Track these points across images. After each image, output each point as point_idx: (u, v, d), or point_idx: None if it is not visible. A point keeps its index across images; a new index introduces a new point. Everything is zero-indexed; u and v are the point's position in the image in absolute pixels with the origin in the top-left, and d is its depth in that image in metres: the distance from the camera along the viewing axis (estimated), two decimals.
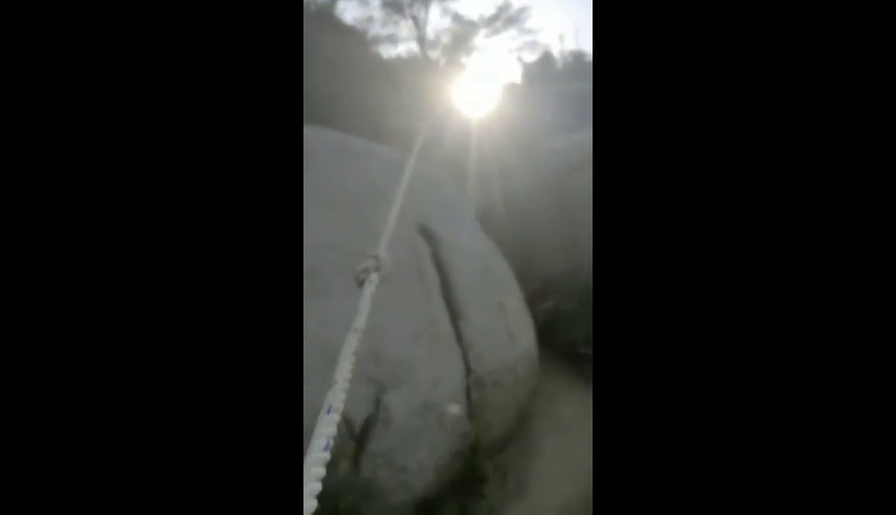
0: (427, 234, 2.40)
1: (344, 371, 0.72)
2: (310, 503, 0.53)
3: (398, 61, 9.80)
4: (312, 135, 2.75)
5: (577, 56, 7.39)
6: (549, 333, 2.87)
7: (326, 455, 0.58)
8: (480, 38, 10.20)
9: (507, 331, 2.20)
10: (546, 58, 8.11)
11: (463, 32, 10.26)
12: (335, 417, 0.62)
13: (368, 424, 1.62)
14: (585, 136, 3.68)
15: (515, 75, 8.60)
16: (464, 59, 10.29)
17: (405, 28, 9.97)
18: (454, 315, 2.10)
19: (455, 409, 1.83)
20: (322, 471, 0.56)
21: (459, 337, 2.02)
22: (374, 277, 1.06)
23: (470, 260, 2.38)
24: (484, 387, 1.97)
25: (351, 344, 0.79)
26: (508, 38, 10.00)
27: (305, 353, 1.61)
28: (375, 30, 9.81)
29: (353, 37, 9.11)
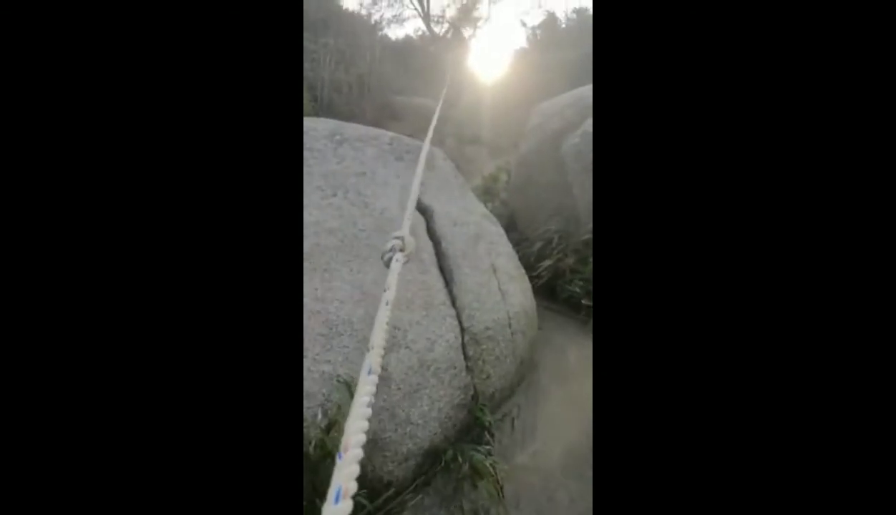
0: (421, 208, 2.55)
1: (379, 337, 0.80)
2: (356, 451, 0.57)
3: (406, 41, 9.82)
4: (307, 124, 2.91)
5: (580, 13, 7.23)
6: (552, 289, 2.99)
7: (368, 411, 0.64)
8: (486, 6, 10.07)
9: (499, 290, 2.34)
10: (550, 19, 7.97)
11: (468, 3, 10.13)
12: (374, 378, 0.70)
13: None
14: (577, 93, 3.70)
15: (522, 40, 8.49)
16: (470, 30, 10.19)
17: (410, 7, 9.96)
18: (448, 280, 2.25)
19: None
20: (366, 424, 0.62)
21: (453, 300, 2.17)
22: (399, 256, 1.21)
23: (462, 229, 2.52)
24: (479, 343, 2.12)
25: (384, 313, 0.89)
26: (513, 4, 9.80)
27: (307, 325, 1.81)
28: (381, 12, 9.83)
29: (359, 22, 9.18)
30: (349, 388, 1.70)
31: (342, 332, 1.83)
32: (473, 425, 2.05)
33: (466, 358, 2.07)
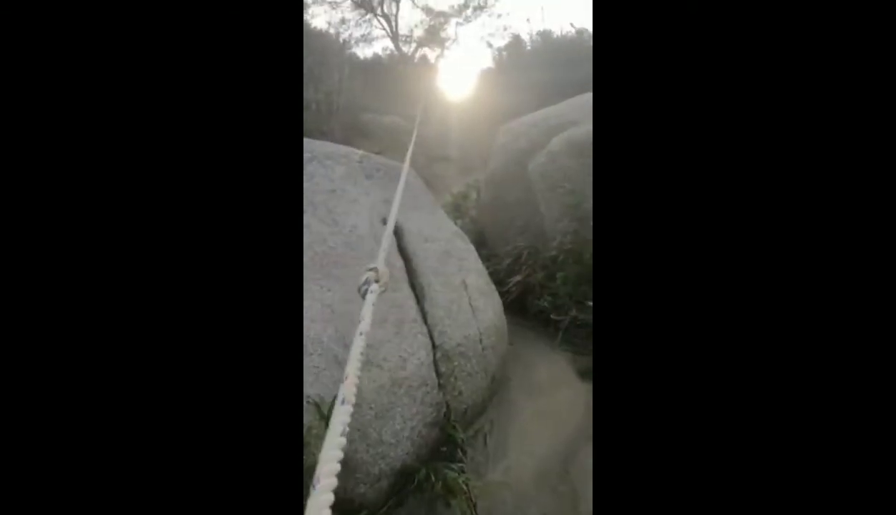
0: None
1: (353, 367, 0.81)
2: (330, 480, 0.59)
3: (374, 60, 9.89)
4: None
5: (544, 35, 7.48)
6: (521, 304, 3.03)
7: (343, 440, 0.65)
8: (452, 28, 10.27)
9: (470, 306, 2.35)
10: (516, 41, 8.20)
11: (435, 24, 10.31)
12: (348, 407, 0.71)
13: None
14: (542, 114, 3.81)
15: (488, 61, 8.70)
16: (438, 51, 10.36)
17: (378, 26, 10.06)
18: (419, 297, 2.26)
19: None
20: (340, 454, 0.63)
21: (424, 317, 2.18)
22: (374, 287, 1.21)
23: (433, 246, 2.53)
24: (451, 359, 2.12)
25: (358, 344, 0.89)
26: (479, 25, 10.06)
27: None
28: (349, 31, 9.88)
29: (327, 41, 9.20)
30: (319, 409, 1.67)
31: (311, 351, 1.81)
32: (446, 442, 2.04)
33: (438, 374, 2.07)
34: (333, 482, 0.59)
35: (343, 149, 3.21)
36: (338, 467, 0.61)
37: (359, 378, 0.80)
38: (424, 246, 2.51)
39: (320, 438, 1.71)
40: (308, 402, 1.65)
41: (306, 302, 1.95)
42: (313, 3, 9.27)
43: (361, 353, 0.87)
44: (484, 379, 2.29)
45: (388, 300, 2.14)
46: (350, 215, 2.48)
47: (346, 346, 1.91)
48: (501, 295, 2.87)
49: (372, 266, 1.30)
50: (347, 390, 0.74)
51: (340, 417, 0.68)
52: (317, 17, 9.38)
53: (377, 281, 1.25)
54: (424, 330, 2.12)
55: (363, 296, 1.21)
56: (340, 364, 1.87)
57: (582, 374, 2.64)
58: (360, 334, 0.94)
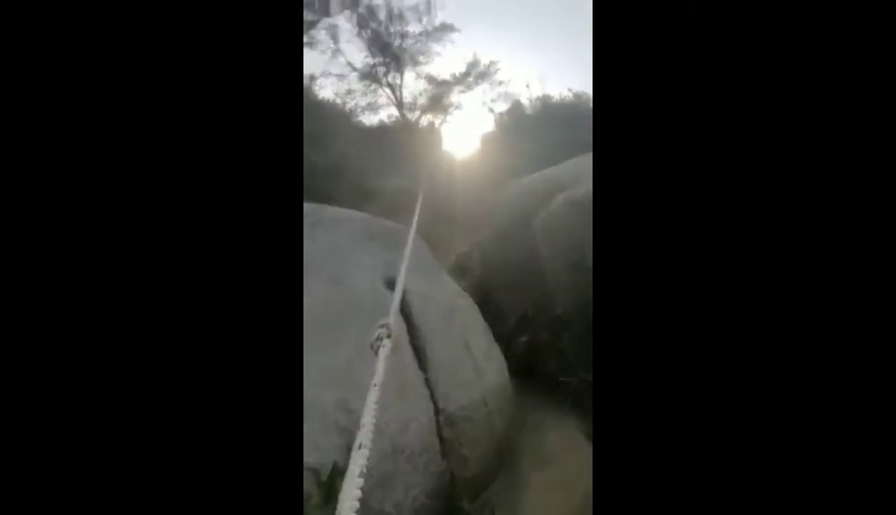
0: (393, 288, 2.55)
1: (369, 415, 0.88)
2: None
3: (380, 126, 10.28)
4: None
5: (544, 100, 7.81)
6: (529, 366, 2.96)
7: (360, 481, 0.70)
8: (455, 95, 10.73)
9: (474, 368, 2.30)
10: (516, 106, 8.55)
11: (438, 92, 10.77)
12: (365, 452, 0.77)
13: (335, 472, 1.70)
14: (543, 174, 3.90)
15: (490, 125, 9.02)
16: (442, 117, 10.76)
17: (383, 96, 10.52)
18: (421, 359, 2.21)
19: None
20: (359, 493, 0.68)
21: (427, 379, 2.13)
22: (386, 342, 1.25)
23: (435, 306, 2.52)
24: (455, 424, 2.05)
25: (372, 395, 0.96)
26: (481, 92, 10.47)
27: None
28: (355, 100, 10.33)
29: (334, 110, 9.62)
30: (317, 476, 1.61)
31: (311, 417, 1.75)
32: (451, 514, 1.93)
33: (442, 440, 2.00)
34: None
35: (347, 212, 3.27)
36: (357, 504, 0.66)
37: (375, 425, 0.86)
38: (426, 307, 2.49)
39: (319, 507, 1.65)
40: (307, 469, 1.59)
41: (306, 367, 1.91)
42: (321, 75, 9.74)
43: (376, 402, 0.93)
44: (490, 445, 2.20)
45: (389, 361, 2.10)
46: (353, 278, 2.49)
47: (347, 411, 1.87)
48: (507, 356, 2.81)
49: (383, 322, 1.34)
50: (364, 436, 0.81)
51: (359, 460, 0.75)
52: (324, 89, 9.81)
53: (389, 336, 1.29)
54: (426, 393, 2.07)
55: (375, 352, 1.25)
56: (340, 430, 1.81)
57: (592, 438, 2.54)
58: (375, 385, 1.00)
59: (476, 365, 2.34)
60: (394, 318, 1.39)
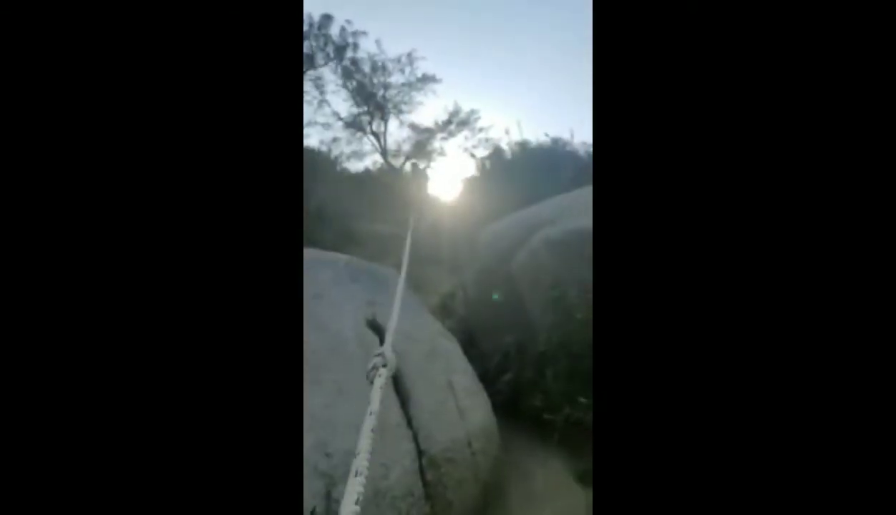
0: (375, 328, 2.55)
1: (365, 443, 0.91)
2: None
3: (364, 172, 10.45)
4: None
5: (522, 145, 8.07)
6: (513, 404, 2.93)
7: (357, 509, 0.74)
8: (438, 142, 11.00)
9: (457, 408, 2.28)
10: (497, 151, 8.80)
11: (421, 139, 11.03)
12: (362, 479, 0.80)
13: None
14: (523, 214, 3.98)
15: (471, 170, 9.23)
16: (426, 163, 10.98)
17: (368, 143, 10.75)
18: (403, 400, 2.19)
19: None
20: (358, 509, 0.73)
21: (409, 421, 2.09)
22: (382, 371, 1.30)
23: (417, 346, 2.51)
24: (438, 466, 2.01)
25: (369, 422, 1.00)
26: (462, 139, 10.78)
27: None
28: (341, 148, 10.53)
29: (319, 157, 9.78)
30: None
31: None
32: None
33: (425, 483, 1.95)
34: None
35: (330, 254, 3.29)
36: None
37: (370, 453, 0.89)
38: (408, 346, 2.47)
39: None
40: None
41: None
42: (307, 124, 9.97)
43: (372, 430, 0.97)
44: (475, 487, 2.15)
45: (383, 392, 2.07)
46: (335, 319, 2.48)
47: (327, 455, 1.82)
48: (491, 395, 2.78)
49: (379, 351, 1.39)
50: (360, 463, 0.84)
51: (355, 487, 0.78)
52: (310, 137, 10.04)
53: (384, 366, 1.32)
54: (409, 434, 2.03)
55: (371, 382, 1.28)
56: (321, 475, 1.77)
57: (580, 478, 2.49)
58: (371, 414, 1.04)
59: (459, 404, 2.31)
60: (389, 348, 1.42)
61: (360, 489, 0.78)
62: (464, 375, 2.57)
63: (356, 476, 0.81)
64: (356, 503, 0.74)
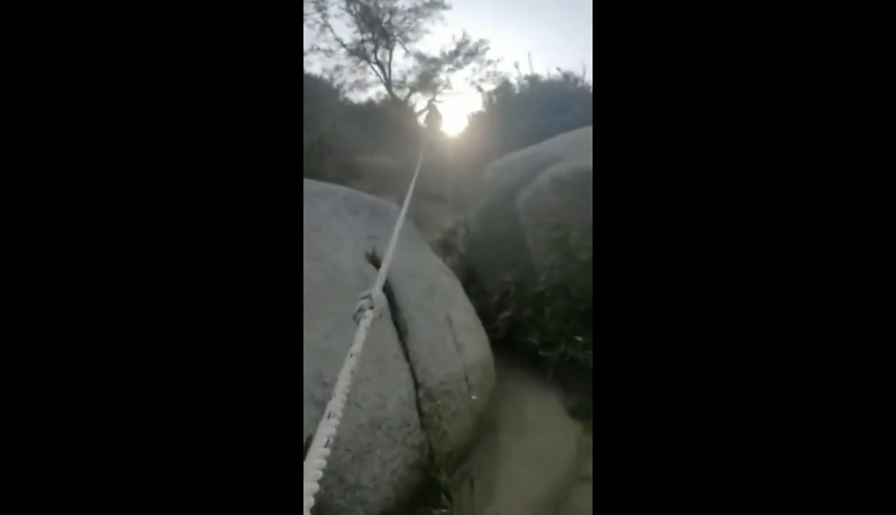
0: (375, 261, 2.53)
1: (342, 385, 0.88)
2: (312, 486, 0.64)
3: (368, 104, 10.14)
4: None
5: (532, 79, 7.70)
6: (510, 341, 2.97)
7: (327, 451, 0.72)
8: (444, 74, 10.59)
9: (455, 343, 2.30)
10: (504, 85, 8.43)
11: (427, 70, 10.63)
12: (334, 421, 0.78)
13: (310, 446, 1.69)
14: (529, 151, 3.86)
15: (478, 104, 8.91)
16: (431, 95, 10.64)
17: (372, 73, 10.36)
18: (401, 333, 2.20)
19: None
20: (324, 463, 0.70)
21: (407, 354, 2.11)
22: (368, 313, 1.26)
23: (417, 282, 2.50)
24: (434, 398, 2.05)
25: (348, 364, 0.95)
26: (470, 71, 10.38)
27: None
28: (343, 78, 10.17)
29: (321, 87, 9.45)
30: None
31: None
32: (429, 487, 1.94)
33: (421, 414, 1.99)
34: (315, 487, 0.64)
35: (330, 186, 3.22)
36: (320, 474, 0.67)
37: (347, 396, 0.86)
38: (408, 281, 2.47)
39: None
40: None
41: None
42: (309, 50, 9.56)
43: (352, 371, 0.93)
44: (470, 419, 2.20)
45: (368, 333, 2.09)
46: (333, 252, 2.45)
47: (324, 385, 1.85)
48: (489, 331, 2.81)
49: (366, 293, 1.35)
50: (335, 405, 0.81)
51: (326, 429, 0.76)
52: (312, 64, 9.64)
53: (371, 308, 1.28)
54: (406, 367, 2.06)
55: (357, 322, 1.24)
56: (317, 403, 1.80)
57: (573, 412, 2.56)
58: (351, 355, 0.99)
59: (457, 339, 2.33)
60: (378, 290, 1.38)
61: (333, 430, 0.76)
62: (463, 311, 2.58)
63: (329, 418, 0.79)
64: (325, 445, 0.73)
